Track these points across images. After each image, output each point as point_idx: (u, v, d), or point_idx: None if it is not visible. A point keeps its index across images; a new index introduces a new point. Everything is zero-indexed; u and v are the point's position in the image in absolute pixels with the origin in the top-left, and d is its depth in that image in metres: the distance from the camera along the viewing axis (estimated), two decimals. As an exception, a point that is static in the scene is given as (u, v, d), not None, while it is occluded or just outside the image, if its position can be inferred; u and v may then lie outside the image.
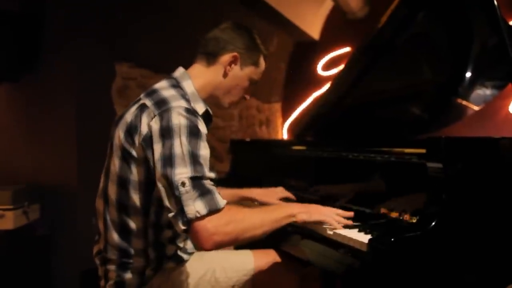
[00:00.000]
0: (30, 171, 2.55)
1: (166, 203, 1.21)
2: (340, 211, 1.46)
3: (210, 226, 1.16)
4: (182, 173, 1.18)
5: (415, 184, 1.38)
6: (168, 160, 1.20)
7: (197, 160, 1.21)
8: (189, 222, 1.16)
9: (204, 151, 1.25)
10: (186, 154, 1.20)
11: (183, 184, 1.17)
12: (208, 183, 1.21)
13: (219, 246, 1.19)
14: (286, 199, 1.82)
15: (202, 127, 1.29)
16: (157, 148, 1.23)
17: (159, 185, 1.22)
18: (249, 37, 1.48)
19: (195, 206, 1.16)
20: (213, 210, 1.17)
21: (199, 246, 1.19)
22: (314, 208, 1.43)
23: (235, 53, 1.45)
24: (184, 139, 1.21)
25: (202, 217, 1.16)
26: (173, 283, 1.43)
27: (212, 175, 1.24)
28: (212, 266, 1.50)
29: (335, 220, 1.40)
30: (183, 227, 1.17)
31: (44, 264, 2.41)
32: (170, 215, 1.20)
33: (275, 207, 1.42)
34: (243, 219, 1.25)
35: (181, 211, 1.17)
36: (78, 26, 2.41)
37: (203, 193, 1.18)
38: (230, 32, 1.47)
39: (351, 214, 1.47)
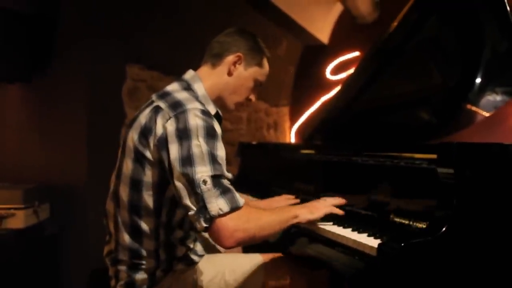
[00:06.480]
0: (41, 170, 2.57)
1: (186, 201, 1.22)
2: (333, 201, 1.51)
3: (231, 223, 1.19)
4: (202, 171, 1.21)
5: (425, 189, 1.38)
6: (187, 159, 1.22)
7: (216, 160, 1.24)
8: (211, 219, 1.19)
9: (221, 151, 1.28)
10: (205, 153, 1.23)
11: (204, 182, 1.20)
12: (227, 182, 1.24)
13: (239, 243, 1.22)
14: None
15: (218, 128, 1.32)
16: (174, 148, 1.24)
17: (178, 184, 1.23)
18: (252, 40, 1.53)
19: (217, 204, 1.19)
20: (234, 208, 1.20)
21: (220, 244, 1.21)
22: (313, 205, 1.46)
23: (239, 53, 1.49)
24: (201, 139, 1.24)
25: (224, 215, 1.19)
26: (183, 285, 1.44)
27: (229, 175, 1.27)
28: (222, 269, 1.50)
29: (334, 208, 1.47)
30: (205, 225, 1.19)
31: (53, 263, 2.43)
32: (191, 213, 1.21)
33: (282, 209, 1.43)
34: (260, 217, 1.28)
35: (203, 208, 1.19)
36: (90, 28, 2.44)
37: (224, 191, 1.21)
38: (234, 35, 1.52)
39: (343, 201, 1.53)
